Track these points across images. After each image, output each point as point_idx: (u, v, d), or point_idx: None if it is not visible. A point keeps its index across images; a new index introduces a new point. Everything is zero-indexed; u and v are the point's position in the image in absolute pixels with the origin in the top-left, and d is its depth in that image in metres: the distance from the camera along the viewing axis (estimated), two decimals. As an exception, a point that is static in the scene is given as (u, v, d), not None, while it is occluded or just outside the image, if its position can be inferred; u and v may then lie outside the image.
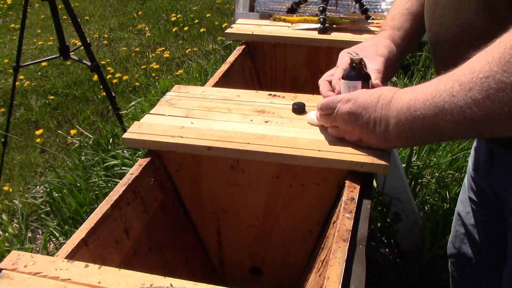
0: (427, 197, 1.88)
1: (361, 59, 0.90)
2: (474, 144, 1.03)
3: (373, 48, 0.96)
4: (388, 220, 1.67)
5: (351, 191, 0.82)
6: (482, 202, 1.03)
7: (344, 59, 0.95)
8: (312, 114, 0.97)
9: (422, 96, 0.69)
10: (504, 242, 0.93)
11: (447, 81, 0.65)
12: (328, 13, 1.57)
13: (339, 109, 0.85)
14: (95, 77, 3.46)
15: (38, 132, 2.97)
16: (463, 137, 0.71)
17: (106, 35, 4.67)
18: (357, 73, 0.90)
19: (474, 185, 1.04)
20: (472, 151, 1.04)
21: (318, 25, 1.50)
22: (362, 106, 0.80)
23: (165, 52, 4.10)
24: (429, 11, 0.84)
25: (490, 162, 0.93)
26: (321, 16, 1.51)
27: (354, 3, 1.62)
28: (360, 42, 1.31)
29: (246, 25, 1.60)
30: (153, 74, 3.67)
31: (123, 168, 2.02)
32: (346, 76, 0.91)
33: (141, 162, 0.95)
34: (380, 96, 0.78)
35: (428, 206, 1.85)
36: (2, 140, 2.34)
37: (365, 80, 0.90)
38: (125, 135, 0.97)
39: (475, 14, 0.73)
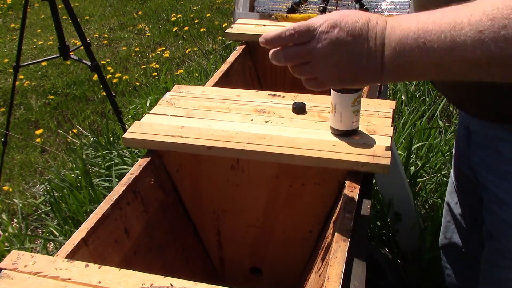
0: (427, 197, 1.88)
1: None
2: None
3: None
4: (388, 220, 1.67)
5: (351, 191, 0.82)
6: (466, 189, 1.04)
7: None
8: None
9: (435, 27, 0.59)
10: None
11: (472, 14, 0.57)
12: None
13: (320, 38, 0.67)
14: (95, 77, 3.45)
15: (38, 132, 2.97)
16: (471, 76, 0.61)
17: (106, 35, 4.67)
18: None
19: (458, 171, 1.05)
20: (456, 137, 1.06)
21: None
22: (351, 34, 0.66)
23: (165, 52, 4.10)
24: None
25: (467, 142, 0.94)
26: (321, 16, 1.51)
27: (354, 3, 1.62)
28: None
29: (246, 25, 1.60)
30: (153, 74, 3.67)
31: (123, 167, 2.02)
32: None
33: (141, 162, 0.95)
34: (370, 23, 0.65)
35: (428, 206, 1.85)
36: (2, 139, 2.34)
37: (357, 90, 0.87)
38: (125, 135, 0.97)
39: None
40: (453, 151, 1.09)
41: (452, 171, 1.12)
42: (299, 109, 1.02)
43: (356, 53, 0.66)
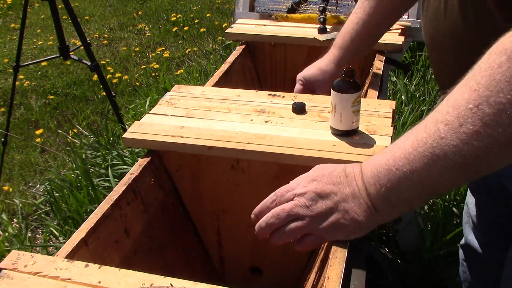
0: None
1: (353, 70, 0.88)
2: None
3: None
4: (388, 220, 1.67)
5: (351, 191, 0.82)
6: (489, 193, 1.03)
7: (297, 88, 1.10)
8: None
9: (401, 152, 0.62)
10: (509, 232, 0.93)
11: (426, 128, 0.59)
12: (328, 13, 1.57)
13: (301, 194, 0.71)
14: (95, 77, 3.45)
15: (38, 132, 2.97)
16: (461, 181, 0.62)
17: (106, 35, 4.67)
18: (349, 83, 0.88)
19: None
20: None
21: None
22: (330, 183, 0.69)
23: (165, 52, 4.10)
24: (423, 13, 0.84)
25: None
26: (321, 16, 1.51)
27: (354, 3, 1.62)
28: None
29: (246, 25, 1.60)
30: (153, 74, 3.67)
31: (123, 168, 2.02)
32: (337, 87, 0.89)
33: (141, 162, 0.95)
34: (346, 170, 0.70)
35: (428, 206, 1.85)
36: (2, 139, 2.33)
37: (357, 90, 0.88)
38: (125, 135, 0.97)
39: (459, 14, 0.71)
40: None
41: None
42: (299, 109, 1.02)
43: (340, 199, 0.68)
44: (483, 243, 1.11)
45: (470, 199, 1.13)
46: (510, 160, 0.57)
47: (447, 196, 1.78)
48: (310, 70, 1.17)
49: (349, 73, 0.88)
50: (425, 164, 0.59)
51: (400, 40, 1.41)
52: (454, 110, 0.56)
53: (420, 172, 0.60)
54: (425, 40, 0.85)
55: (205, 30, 4.53)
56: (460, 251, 1.21)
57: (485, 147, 0.55)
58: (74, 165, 2.18)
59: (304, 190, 0.71)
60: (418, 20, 1.51)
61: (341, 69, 0.89)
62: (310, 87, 1.17)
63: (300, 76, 1.18)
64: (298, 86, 1.18)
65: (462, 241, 1.19)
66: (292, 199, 0.72)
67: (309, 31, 1.52)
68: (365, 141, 0.91)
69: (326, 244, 0.86)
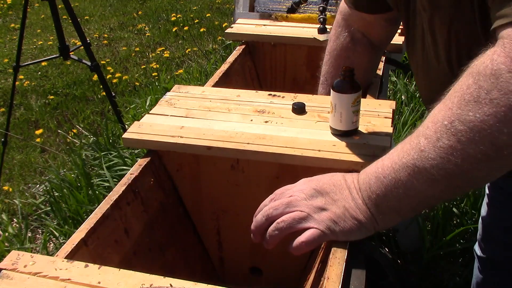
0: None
1: (352, 70, 0.88)
2: None
3: None
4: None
5: (351, 191, 0.82)
6: (503, 203, 1.02)
7: None
8: None
9: (389, 162, 0.66)
10: None
11: (411, 140, 0.64)
12: (328, 13, 1.57)
13: (294, 192, 0.72)
14: (95, 77, 3.45)
15: (38, 132, 2.97)
16: (445, 196, 0.65)
17: (106, 35, 4.67)
18: (348, 83, 0.87)
19: (494, 184, 1.02)
20: None
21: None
22: (331, 183, 0.72)
23: (165, 52, 4.10)
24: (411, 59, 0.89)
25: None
26: (321, 16, 1.51)
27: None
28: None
29: (246, 25, 1.60)
30: (153, 74, 3.67)
31: (123, 168, 2.02)
32: (336, 87, 0.89)
33: (141, 162, 0.95)
34: (345, 176, 0.73)
35: (428, 206, 1.85)
36: (2, 139, 2.33)
37: (357, 91, 0.88)
38: (125, 135, 0.97)
39: (435, 60, 0.75)
40: None
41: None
42: (299, 109, 1.02)
43: (340, 198, 0.70)
44: (499, 253, 1.09)
45: (483, 209, 1.11)
46: (490, 177, 0.61)
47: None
48: None
49: (348, 73, 0.87)
50: (409, 174, 0.63)
51: (400, 40, 1.41)
52: (432, 125, 0.61)
53: (405, 182, 0.63)
54: (416, 82, 0.90)
55: (205, 30, 4.53)
56: (476, 259, 1.19)
57: (461, 162, 0.58)
58: (73, 165, 2.18)
59: (303, 187, 0.72)
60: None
61: (341, 69, 0.89)
62: None
63: None
64: None
65: (476, 248, 1.17)
66: (291, 196, 0.72)
67: (309, 31, 1.52)
68: (365, 141, 0.91)
69: (326, 244, 0.86)
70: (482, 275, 1.11)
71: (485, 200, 1.06)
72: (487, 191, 1.05)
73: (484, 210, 1.07)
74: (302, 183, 0.74)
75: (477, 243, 1.12)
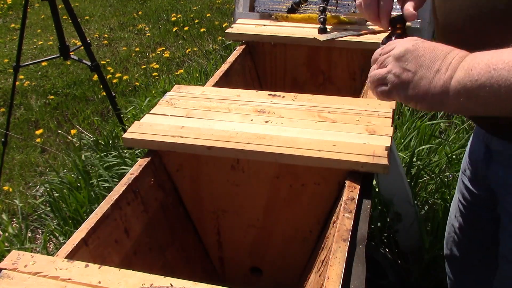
0: (427, 197, 1.87)
1: (403, 19, 0.83)
2: (470, 141, 1.02)
3: None
4: (388, 220, 1.67)
5: (351, 191, 0.82)
6: (473, 201, 1.02)
7: None
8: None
9: (507, 56, 0.62)
10: (495, 242, 0.93)
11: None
12: (328, 13, 1.57)
13: (400, 42, 0.74)
14: (95, 77, 3.45)
15: (38, 132, 2.97)
16: None
17: (106, 35, 4.67)
18: (399, 37, 0.81)
19: (467, 183, 1.03)
20: (467, 149, 1.04)
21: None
22: (430, 48, 0.70)
23: (165, 52, 4.10)
24: None
25: (487, 160, 0.92)
26: (321, 16, 1.51)
27: (354, 3, 1.62)
28: (360, 42, 1.31)
29: (246, 25, 1.60)
30: (153, 74, 3.67)
31: (123, 168, 2.02)
32: (385, 42, 0.82)
33: (141, 162, 0.95)
34: (453, 50, 0.70)
35: (428, 206, 1.85)
36: (2, 139, 2.34)
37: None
38: (125, 135, 0.97)
39: None
40: (462, 161, 1.07)
41: (459, 185, 1.10)
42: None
43: (426, 64, 0.69)
44: (469, 255, 1.10)
45: (453, 211, 1.11)
46: None
47: (447, 196, 1.78)
48: None
49: (401, 24, 0.84)
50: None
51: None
52: None
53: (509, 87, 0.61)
54: (439, 19, 0.83)
55: (205, 30, 4.53)
56: (446, 264, 1.20)
57: None
58: (73, 166, 2.18)
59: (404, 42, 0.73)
60: (418, 20, 1.51)
61: (382, 40, 0.86)
62: None
63: None
64: None
65: (445, 252, 1.17)
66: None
67: (309, 31, 1.52)
68: (365, 141, 0.91)
69: (326, 244, 0.86)
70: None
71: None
72: None
73: None
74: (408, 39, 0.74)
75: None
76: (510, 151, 0.84)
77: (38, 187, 2.39)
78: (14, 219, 2.15)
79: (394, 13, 0.85)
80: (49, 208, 2.01)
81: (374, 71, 0.76)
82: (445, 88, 0.68)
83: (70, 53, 2.29)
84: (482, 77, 0.64)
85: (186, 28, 4.60)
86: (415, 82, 0.70)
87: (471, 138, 1.01)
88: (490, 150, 0.90)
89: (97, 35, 4.66)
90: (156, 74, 3.66)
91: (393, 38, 0.82)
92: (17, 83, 2.61)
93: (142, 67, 3.86)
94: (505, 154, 0.86)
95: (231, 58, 1.44)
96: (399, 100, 0.74)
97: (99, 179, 2.04)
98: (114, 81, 3.60)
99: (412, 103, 0.72)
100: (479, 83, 0.64)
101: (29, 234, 1.97)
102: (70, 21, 2.26)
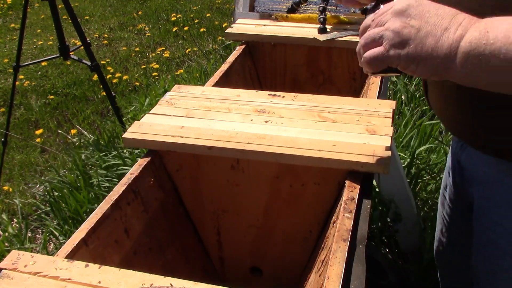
0: (427, 197, 1.88)
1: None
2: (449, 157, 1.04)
3: None
4: (388, 220, 1.67)
5: (351, 191, 0.82)
6: (454, 197, 1.03)
7: None
8: None
9: None
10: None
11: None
12: (328, 13, 1.57)
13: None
14: (95, 77, 3.46)
15: (38, 132, 2.97)
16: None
17: (106, 35, 4.67)
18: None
19: (449, 177, 1.03)
20: (447, 164, 1.05)
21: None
22: (436, 6, 0.63)
23: (165, 52, 4.10)
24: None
25: (460, 174, 0.94)
26: (321, 16, 1.51)
27: (354, 3, 1.62)
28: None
29: (246, 25, 1.60)
30: (153, 74, 3.67)
31: (123, 168, 2.02)
32: (372, 11, 0.74)
33: (141, 162, 0.95)
34: (461, 12, 0.64)
35: (428, 206, 1.85)
36: (2, 139, 2.34)
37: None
38: (125, 135, 0.97)
39: None
40: (447, 162, 1.07)
41: (443, 183, 1.10)
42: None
43: (432, 22, 0.62)
44: (456, 253, 1.11)
45: (440, 209, 1.12)
46: None
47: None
48: None
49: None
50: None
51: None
52: None
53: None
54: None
55: (205, 30, 4.53)
56: (436, 261, 1.21)
57: None
58: (73, 166, 2.18)
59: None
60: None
61: (368, 10, 0.78)
62: None
63: None
64: None
65: (435, 248, 1.18)
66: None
67: (309, 31, 1.52)
68: (365, 141, 0.91)
69: (326, 244, 0.86)
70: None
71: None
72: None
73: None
74: None
75: None
76: (477, 167, 0.85)
77: (38, 187, 2.39)
78: (14, 219, 2.15)
79: None
80: (49, 208, 2.01)
81: (368, 32, 0.67)
82: (453, 48, 0.61)
83: (70, 53, 2.29)
84: (499, 42, 0.58)
85: (186, 28, 4.60)
86: (419, 39, 0.62)
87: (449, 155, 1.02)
88: (460, 165, 0.91)
89: (97, 35, 4.67)
90: (156, 74, 3.66)
91: (381, 6, 0.71)
92: (17, 83, 2.61)
93: (142, 67, 3.86)
94: (473, 170, 0.86)
95: (231, 58, 1.44)
96: (395, 63, 0.65)
97: (99, 179, 2.04)
98: (114, 81, 3.61)
99: (411, 66, 0.64)
100: (494, 47, 0.58)
101: (29, 234, 1.98)
102: (70, 21, 2.27)
